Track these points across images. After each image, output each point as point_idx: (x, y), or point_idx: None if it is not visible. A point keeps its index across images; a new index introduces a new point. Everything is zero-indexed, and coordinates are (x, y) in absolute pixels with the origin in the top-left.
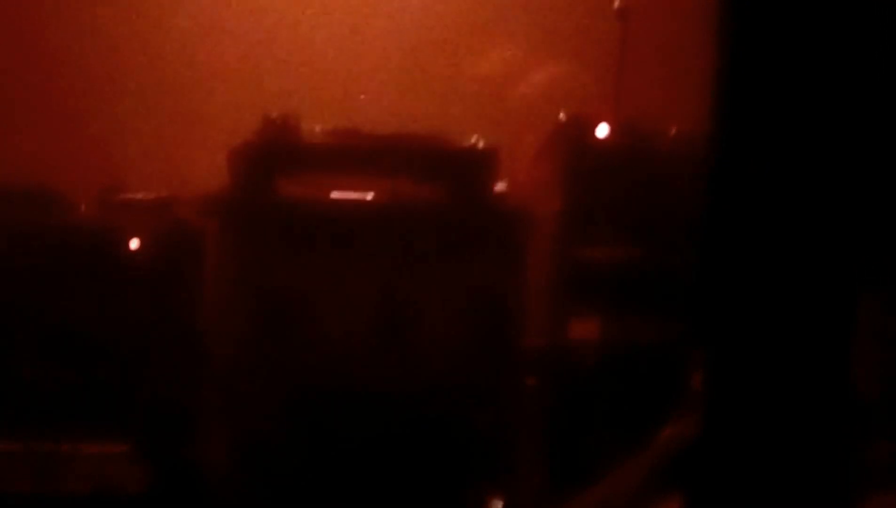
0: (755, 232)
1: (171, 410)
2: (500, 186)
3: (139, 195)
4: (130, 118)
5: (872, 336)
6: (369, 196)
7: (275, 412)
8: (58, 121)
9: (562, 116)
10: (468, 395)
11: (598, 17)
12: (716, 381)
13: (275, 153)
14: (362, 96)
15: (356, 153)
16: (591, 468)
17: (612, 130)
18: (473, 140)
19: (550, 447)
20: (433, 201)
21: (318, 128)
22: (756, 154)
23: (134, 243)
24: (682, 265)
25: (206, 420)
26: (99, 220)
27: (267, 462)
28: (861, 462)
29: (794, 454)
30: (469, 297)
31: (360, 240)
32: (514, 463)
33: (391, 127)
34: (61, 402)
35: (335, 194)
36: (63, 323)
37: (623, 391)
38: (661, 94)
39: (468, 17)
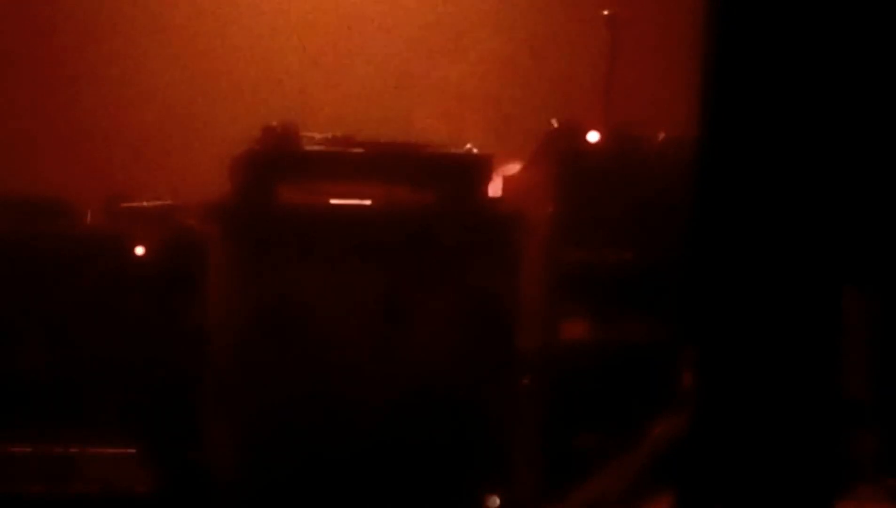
0: (743, 233)
1: (177, 413)
2: (493, 191)
3: (143, 203)
4: (133, 127)
5: (859, 332)
6: (367, 202)
7: (278, 415)
8: (62, 130)
9: (553, 122)
10: (464, 396)
11: (587, 25)
12: (706, 379)
13: (275, 161)
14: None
15: (354, 160)
16: (585, 465)
17: (603, 136)
18: (468, 146)
19: (545, 445)
20: (429, 206)
21: (317, 135)
22: (743, 157)
23: (139, 251)
24: (671, 266)
25: (212, 423)
26: (104, 228)
27: (272, 464)
28: (846, 454)
29: (783, 449)
30: (464, 300)
31: (358, 245)
32: (509, 462)
33: (388, 134)
34: (70, 406)
35: (334, 201)
36: (70, 329)
37: (615, 390)
38: (651, 100)
39: (461, 26)
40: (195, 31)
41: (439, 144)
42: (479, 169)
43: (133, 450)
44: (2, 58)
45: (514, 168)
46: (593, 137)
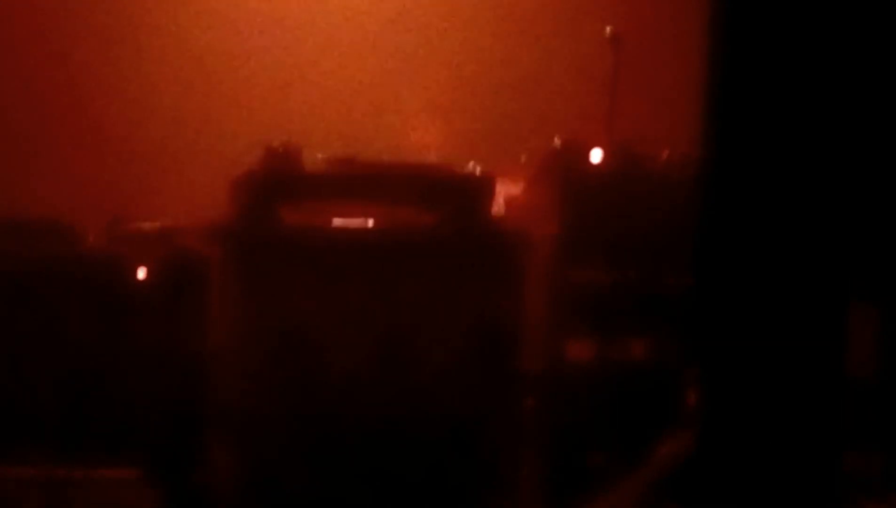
0: (746, 252)
1: (180, 435)
2: (496, 212)
3: (145, 225)
4: (135, 150)
5: (864, 349)
6: (370, 223)
7: (280, 436)
8: (65, 154)
9: (556, 141)
10: (468, 417)
11: (590, 44)
12: (710, 398)
13: (277, 182)
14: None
15: (356, 181)
16: (591, 485)
17: (606, 155)
18: (471, 166)
19: (550, 466)
20: (432, 227)
21: (319, 156)
22: (745, 175)
23: (141, 273)
24: (675, 286)
25: (214, 445)
26: (106, 250)
27: (274, 486)
28: (853, 472)
29: (787, 467)
30: (468, 320)
31: (360, 266)
32: (514, 483)
33: (391, 155)
34: (73, 428)
35: (336, 222)
36: (72, 351)
37: (620, 410)
38: (654, 118)
39: (464, 47)
40: (197, 56)
41: (442, 165)
42: (481, 189)
43: (136, 473)
44: (4, 82)
45: (516, 188)
46: (596, 156)
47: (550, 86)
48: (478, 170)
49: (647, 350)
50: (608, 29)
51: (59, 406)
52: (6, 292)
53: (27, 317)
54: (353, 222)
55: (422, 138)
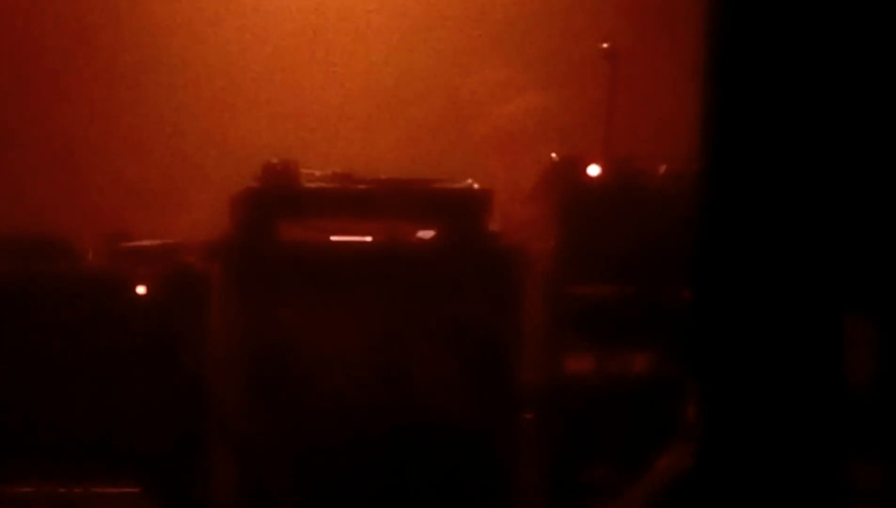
0: (744, 265)
1: (180, 451)
2: (494, 226)
3: (144, 242)
4: (134, 166)
5: (863, 360)
6: (368, 239)
7: (281, 451)
8: (62, 170)
9: (553, 156)
10: (467, 431)
11: (587, 58)
12: (710, 411)
13: (275, 198)
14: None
15: (355, 197)
16: (590, 500)
17: (604, 169)
18: (468, 181)
19: (549, 480)
20: (430, 242)
21: (317, 173)
22: (743, 190)
23: (140, 290)
24: (674, 299)
25: (215, 462)
26: (105, 267)
27: (275, 501)
28: (854, 484)
29: (788, 480)
30: (466, 335)
31: (359, 281)
32: (512, 498)
33: (388, 170)
34: (73, 445)
35: (335, 238)
36: (72, 368)
37: (619, 424)
38: (652, 132)
39: (460, 62)
40: (195, 71)
41: (439, 180)
42: (479, 204)
43: (137, 490)
44: (3, 97)
45: (514, 203)
46: (594, 170)
47: (547, 100)
48: (475, 185)
49: (647, 364)
50: (605, 44)
51: (58, 423)
52: (5, 310)
53: (26, 334)
54: (352, 238)
55: (419, 156)
